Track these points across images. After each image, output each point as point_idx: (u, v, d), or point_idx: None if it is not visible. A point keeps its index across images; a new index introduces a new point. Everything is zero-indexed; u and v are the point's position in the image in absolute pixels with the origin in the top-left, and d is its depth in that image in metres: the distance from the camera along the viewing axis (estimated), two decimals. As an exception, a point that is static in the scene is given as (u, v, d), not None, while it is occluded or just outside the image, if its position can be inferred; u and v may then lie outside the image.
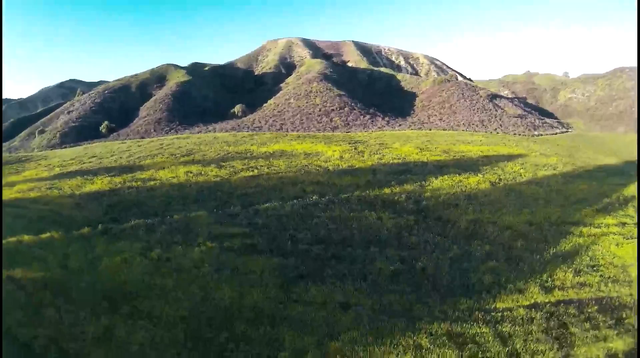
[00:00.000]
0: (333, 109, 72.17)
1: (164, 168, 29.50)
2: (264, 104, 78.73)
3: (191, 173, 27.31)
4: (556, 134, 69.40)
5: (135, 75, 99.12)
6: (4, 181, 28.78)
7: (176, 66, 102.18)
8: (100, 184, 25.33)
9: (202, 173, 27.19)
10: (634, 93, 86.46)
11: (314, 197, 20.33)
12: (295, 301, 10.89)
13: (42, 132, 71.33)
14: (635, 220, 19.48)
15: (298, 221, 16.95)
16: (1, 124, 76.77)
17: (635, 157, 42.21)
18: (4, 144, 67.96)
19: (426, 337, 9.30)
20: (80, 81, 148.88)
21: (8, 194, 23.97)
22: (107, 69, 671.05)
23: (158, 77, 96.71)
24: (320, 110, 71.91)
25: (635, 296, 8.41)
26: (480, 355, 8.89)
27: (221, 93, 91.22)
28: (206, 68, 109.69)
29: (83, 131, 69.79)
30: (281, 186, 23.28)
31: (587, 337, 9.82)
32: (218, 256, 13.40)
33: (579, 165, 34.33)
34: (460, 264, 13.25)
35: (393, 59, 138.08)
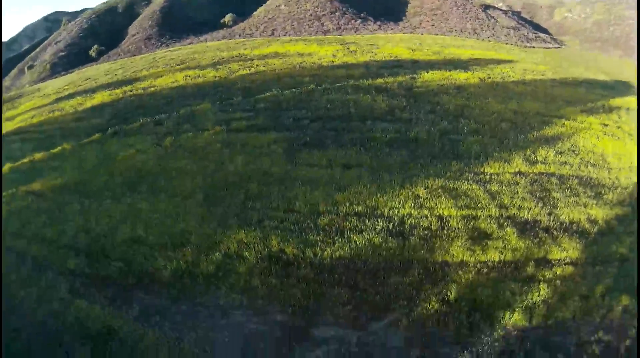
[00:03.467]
0: (324, 14, 69.30)
1: (161, 76, 28.95)
2: (254, 12, 75.15)
3: (189, 76, 27.07)
4: (549, 48, 68.44)
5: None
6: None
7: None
8: (101, 98, 24.91)
9: (200, 75, 26.95)
10: (632, 21, 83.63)
11: (311, 86, 20.30)
12: (302, 164, 11.43)
13: (31, 67, 67.30)
14: (618, 124, 20.31)
15: (297, 104, 17.23)
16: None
17: (627, 77, 41.93)
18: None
19: (423, 189, 10.02)
20: (65, 12, 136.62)
21: (10, 126, 23.34)
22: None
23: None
24: (311, 15, 69.19)
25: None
26: (472, 205, 9.73)
27: (210, 4, 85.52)
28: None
29: (73, 59, 66.28)
30: (278, 79, 23.27)
31: (568, 201, 10.80)
32: (226, 137, 13.97)
33: (568, 76, 34.48)
34: (449, 136, 13.93)
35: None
